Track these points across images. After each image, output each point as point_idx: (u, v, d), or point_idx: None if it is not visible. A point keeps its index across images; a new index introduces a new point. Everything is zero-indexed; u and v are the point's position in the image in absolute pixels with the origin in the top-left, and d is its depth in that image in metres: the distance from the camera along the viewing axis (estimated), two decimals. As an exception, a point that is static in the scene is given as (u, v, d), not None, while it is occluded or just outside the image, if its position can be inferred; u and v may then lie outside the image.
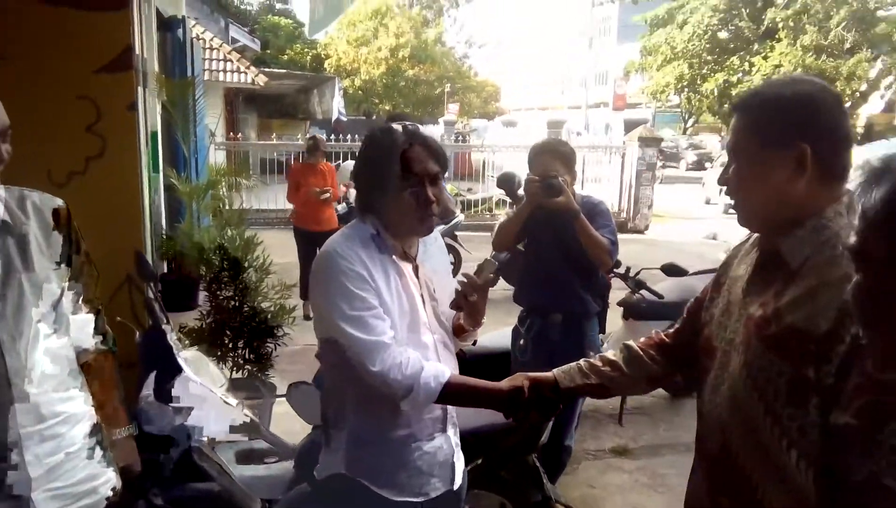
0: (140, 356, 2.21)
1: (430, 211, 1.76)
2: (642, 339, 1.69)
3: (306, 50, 29.38)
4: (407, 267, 1.79)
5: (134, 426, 1.83)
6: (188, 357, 2.33)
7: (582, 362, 1.70)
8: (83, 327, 1.70)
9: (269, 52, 27.06)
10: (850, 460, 1.11)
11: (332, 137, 11.14)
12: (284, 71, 20.87)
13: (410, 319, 1.76)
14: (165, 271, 6.03)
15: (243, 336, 3.81)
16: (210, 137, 9.88)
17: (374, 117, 22.07)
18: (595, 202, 3.17)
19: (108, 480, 1.65)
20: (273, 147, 12.35)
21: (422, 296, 1.81)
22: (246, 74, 15.39)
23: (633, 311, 4.45)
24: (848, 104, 23.83)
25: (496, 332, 3.51)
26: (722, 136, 31.14)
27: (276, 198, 11.26)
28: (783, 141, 1.24)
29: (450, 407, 1.86)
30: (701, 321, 1.51)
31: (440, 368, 1.68)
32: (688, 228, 13.44)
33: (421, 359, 1.66)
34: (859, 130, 28.09)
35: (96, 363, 1.73)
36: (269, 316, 3.84)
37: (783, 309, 1.23)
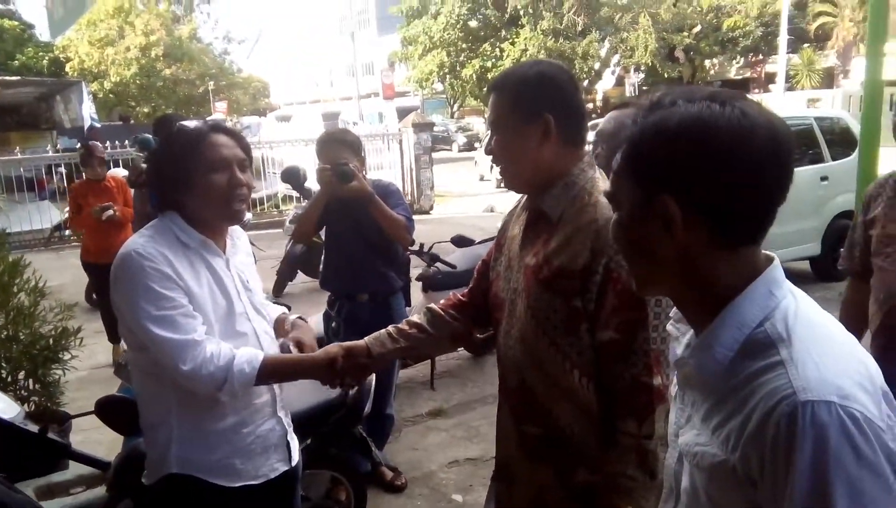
0: None
1: (242, 196, 1.78)
2: (442, 301, 1.87)
3: (41, 53, 26.14)
4: (217, 261, 1.80)
5: None
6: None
7: (391, 328, 1.83)
8: None
9: (-7, 58, 23.76)
10: (617, 368, 1.42)
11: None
12: (18, 78, 18.43)
13: (227, 310, 1.78)
14: None
15: (23, 367, 3.44)
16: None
17: (132, 122, 20.38)
18: (385, 184, 3.35)
19: None
20: (18, 162, 10.90)
21: (236, 287, 1.83)
22: (-31, 83, 13.43)
23: (431, 283, 4.73)
24: (585, 82, 26.83)
25: (317, 317, 3.56)
26: (485, 117, 33.29)
27: (30, 218, 10.09)
28: (532, 113, 1.49)
29: (277, 390, 1.91)
30: (489, 280, 1.73)
31: (252, 352, 1.72)
32: (467, 204, 14.32)
33: (232, 349, 1.68)
34: (599, 103, 31.76)
35: None
36: (51, 341, 3.50)
37: (550, 255, 1.48)
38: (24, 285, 3.53)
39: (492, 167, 18.60)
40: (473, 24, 27.41)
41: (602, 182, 1.52)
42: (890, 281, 2.19)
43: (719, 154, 0.86)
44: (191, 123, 1.78)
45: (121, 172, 8.72)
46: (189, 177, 1.70)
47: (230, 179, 1.73)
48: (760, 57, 27.58)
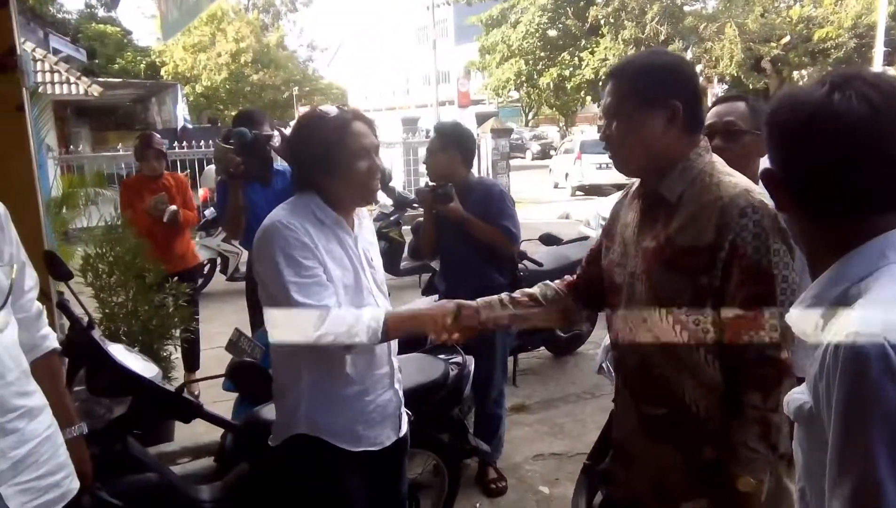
0: (66, 353, 2.15)
1: (377, 181, 1.92)
2: (557, 281, 1.94)
3: (139, 58, 27.69)
4: (347, 238, 1.93)
5: (84, 426, 1.81)
6: (117, 350, 2.30)
7: (503, 295, 1.90)
8: (35, 322, 1.69)
9: (97, 61, 25.23)
10: (743, 342, 1.43)
11: (178, 146, 10.58)
12: (120, 80, 19.58)
13: (355, 284, 1.90)
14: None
15: (138, 341, 3.70)
16: (48, 151, 9.18)
17: (220, 124, 21.27)
18: (489, 185, 3.49)
19: (70, 474, 1.65)
20: (113, 159, 11.50)
21: (362, 264, 1.96)
22: (77, 84, 14.32)
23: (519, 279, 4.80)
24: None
25: (410, 305, 3.72)
26: (560, 126, 33.12)
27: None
28: (659, 99, 1.52)
29: (395, 363, 2.03)
30: (602, 268, 1.78)
31: (375, 311, 1.84)
32: (542, 210, 14.29)
33: (356, 310, 1.81)
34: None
35: (46, 359, 1.72)
36: (165, 318, 3.75)
37: (673, 236, 1.52)
38: (144, 265, 3.79)
39: (567, 175, 18.63)
40: (553, 33, 27.27)
41: (720, 165, 1.56)
42: None
43: None
44: (331, 110, 1.91)
45: (210, 172, 9.05)
46: (335, 161, 1.84)
47: (370, 165, 1.87)
48: (853, 69, 26.33)
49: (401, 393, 2.06)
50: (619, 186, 8.26)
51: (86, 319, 2.34)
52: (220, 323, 5.37)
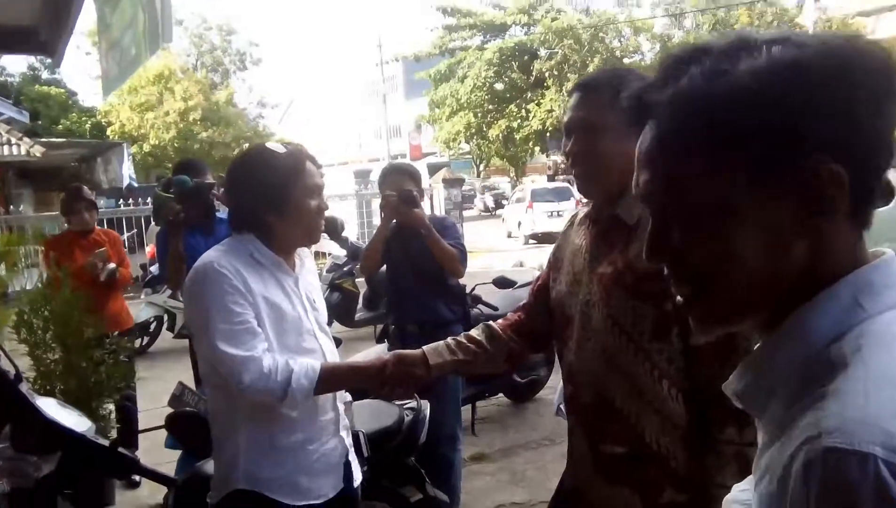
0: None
1: (322, 221, 1.88)
2: (500, 321, 1.85)
3: (85, 118, 27.28)
4: (287, 280, 1.86)
5: (4, 483, 1.67)
6: (47, 404, 2.16)
7: (450, 339, 1.80)
8: None
9: (40, 122, 24.76)
10: (712, 373, 1.30)
11: (124, 204, 10.40)
12: (63, 140, 19.21)
13: (296, 327, 1.83)
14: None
15: (74, 398, 3.50)
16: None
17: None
18: (441, 218, 3.50)
19: None
20: (56, 219, 11.12)
21: (303, 305, 1.89)
22: (18, 145, 13.99)
23: (473, 324, 4.75)
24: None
25: (363, 353, 3.61)
26: (511, 176, 33.74)
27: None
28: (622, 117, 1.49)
29: (340, 409, 1.95)
30: (550, 300, 1.69)
31: (309, 363, 1.75)
32: (496, 259, 14.35)
33: (289, 362, 1.72)
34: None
35: None
36: (104, 375, 3.57)
37: (633, 260, 1.43)
38: (82, 320, 3.62)
39: (520, 224, 18.79)
40: (499, 86, 28.04)
41: None
42: None
43: (848, 84, 0.64)
44: (279, 147, 1.87)
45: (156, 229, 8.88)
46: (286, 199, 1.79)
47: (320, 204, 1.84)
48: None
49: (348, 440, 1.97)
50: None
51: (13, 372, 2.19)
52: (166, 381, 5.14)
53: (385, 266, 3.49)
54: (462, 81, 27.80)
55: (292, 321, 1.83)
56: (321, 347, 1.91)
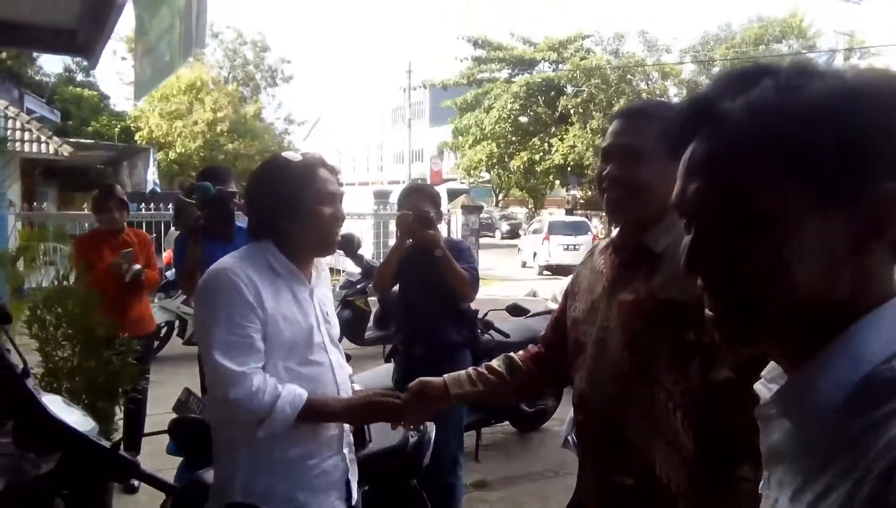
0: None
1: (339, 230, 1.87)
2: (520, 353, 1.85)
3: (114, 122, 27.78)
4: (302, 291, 1.85)
5: None
6: (52, 401, 2.15)
7: (471, 369, 1.81)
8: None
9: (70, 123, 25.25)
10: (731, 410, 1.26)
11: (146, 208, 10.50)
12: (92, 142, 19.54)
13: (306, 339, 1.82)
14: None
15: (82, 399, 3.50)
16: (10, 206, 8.99)
17: (191, 192, 21.17)
18: (457, 241, 3.47)
19: None
20: (76, 218, 11.21)
21: (317, 318, 1.87)
22: (47, 144, 14.24)
23: (484, 350, 4.71)
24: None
25: (370, 371, 3.59)
26: (529, 207, 33.80)
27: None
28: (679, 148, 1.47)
29: (346, 427, 1.92)
30: (567, 328, 1.67)
31: (297, 393, 1.72)
32: (510, 287, 14.32)
33: (278, 387, 1.70)
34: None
35: None
36: (111, 375, 3.56)
37: (657, 289, 1.41)
38: (95, 319, 3.63)
39: (535, 254, 18.77)
40: (524, 119, 28.20)
41: None
42: None
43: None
44: (296, 156, 1.88)
45: (175, 233, 8.95)
46: (300, 206, 1.79)
47: (335, 211, 1.83)
48: None
49: (350, 457, 1.93)
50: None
51: (21, 366, 2.19)
52: (172, 387, 5.13)
53: (398, 286, 3.48)
54: (487, 112, 28.01)
55: (302, 333, 1.81)
56: (330, 360, 1.89)
